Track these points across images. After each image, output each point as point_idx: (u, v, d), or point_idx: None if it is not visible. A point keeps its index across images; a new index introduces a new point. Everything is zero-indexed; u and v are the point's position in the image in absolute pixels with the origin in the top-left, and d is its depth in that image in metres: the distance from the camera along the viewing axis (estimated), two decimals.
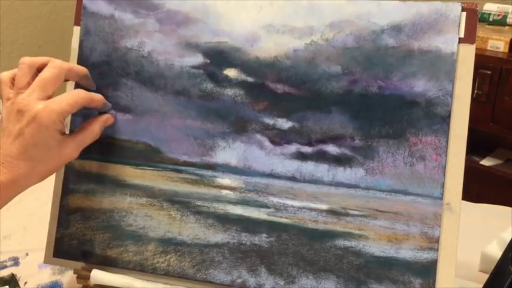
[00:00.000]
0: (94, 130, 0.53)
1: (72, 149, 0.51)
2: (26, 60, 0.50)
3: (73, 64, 0.53)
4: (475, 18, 0.51)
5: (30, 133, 0.47)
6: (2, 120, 0.49)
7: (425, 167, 0.51)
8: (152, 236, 0.56)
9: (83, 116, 0.58)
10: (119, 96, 0.58)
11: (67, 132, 0.59)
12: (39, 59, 0.51)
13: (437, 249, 0.50)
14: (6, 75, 0.51)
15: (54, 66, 0.50)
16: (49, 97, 0.49)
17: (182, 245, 0.55)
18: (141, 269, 0.56)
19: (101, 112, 0.55)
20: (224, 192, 0.55)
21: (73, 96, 0.50)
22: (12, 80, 0.51)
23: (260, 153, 0.54)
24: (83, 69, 0.54)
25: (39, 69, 0.50)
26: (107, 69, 0.58)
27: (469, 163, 1.57)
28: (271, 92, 0.54)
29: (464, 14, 0.51)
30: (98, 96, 0.54)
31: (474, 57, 0.51)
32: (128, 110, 0.57)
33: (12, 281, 0.64)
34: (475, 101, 1.51)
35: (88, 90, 0.53)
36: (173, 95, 0.56)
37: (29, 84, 0.49)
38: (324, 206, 0.53)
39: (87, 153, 0.55)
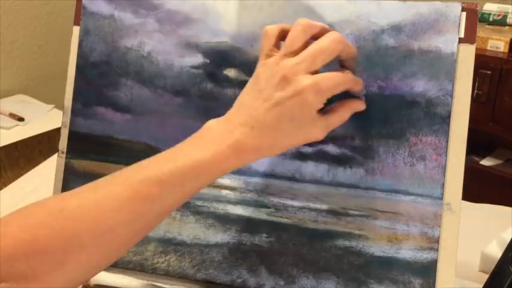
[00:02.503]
0: (345, 115, 0.48)
1: (320, 130, 0.46)
2: (303, 21, 0.46)
3: (348, 42, 0.47)
4: (475, 18, 0.51)
5: (291, 106, 0.44)
6: (258, 77, 0.46)
7: (426, 167, 0.51)
8: (152, 236, 0.56)
9: (83, 116, 0.58)
10: (119, 96, 0.58)
11: (65, 129, 0.59)
12: (317, 25, 0.46)
13: (437, 249, 0.50)
14: (274, 28, 0.47)
15: (333, 39, 0.45)
16: (316, 71, 0.45)
17: (182, 245, 0.55)
18: (141, 269, 0.56)
19: (351, 96, 0.50)
20: (224, 192, 0.55)
21: (342, 77, 0.46)
22: (279, 37, 0.47)
23: None
24: (354, 49, 0.48)
25: (314, 36, 0.46)
26: (106, 69, 0.58)
27: (469, 163, 1.57)
28: None
29: (464, 14, 0.51)
30: (360, 81, 0.49)
31: (474, 57, 0.51)
32: (128, 110, 0.57)
33: None
34: (475, 101, 1.51)
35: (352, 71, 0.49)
36: (173, 94, 0.56)
37: (300, 49, 0.45)
38: (324, 206, 0.53)
39: (87, 153, 0.55)
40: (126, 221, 0.41)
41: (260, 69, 0.46)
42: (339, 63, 0.49)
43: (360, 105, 0.50)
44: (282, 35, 0.47)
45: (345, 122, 0.51)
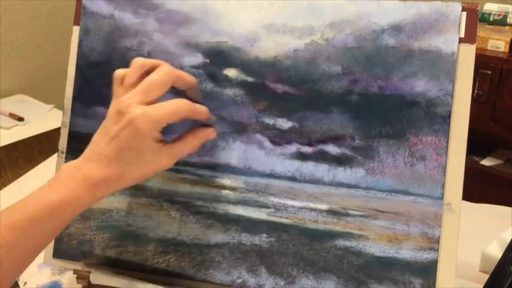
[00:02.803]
0: (193, 143, 0.51)
1: (166, 159, 0.49)
2: (138, 60, 0.49)
3: (183, 72, 0.50)
4: (476, 18, 0.51)
5: (126, 137, 0.46)
6: (107, 116, 0.49)
7: (426, 167, 0.51)
8: (152, 236, 0.56)
9: (83, 116, 0.58)
10: None
11: (65, 129, 0.59)
12: (151, 61, 0.49)
13: (437, 250, 0.50)
14: (121, 72, 0.50)
15: (163, 71, 0.48)
16: (152, 102, 0.47)
17: (182, 245, 0.55)
18: (141, 269, 0.56)
19: (204, 124, 0.52)
20: (224, 192, 0.55)
21: (175, 106, 0.48)
22: (123, 79, 0.50)
23: (260, 153, 0.54)
24: (192, 79, 0.51)
25: (149, 71, 0.49)
26: (106, 69, 0.58)
27: (469, 163, 1.57)
28: (271, 92, 0.54)
29: (464, 13, 0.51)
30: (202, 109, 0.50)
31: (474, 57, 0.51)
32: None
33: None
34: (475, 101, 1.51)
35: (194, 101, 0.50)
36: (173, 94, 0.56)
37: (135, 84, 0.48)
38: (324, 206, 0.53)
39: None
40: None
41: (109, 108, 0.49)
42: (184, 95, 0.51)
43: (210, 134, 0.52)
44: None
45: (345, 122, 0.52)
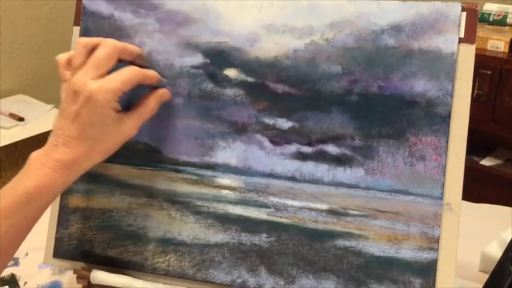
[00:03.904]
0: (150, 105, 0.53)
1: (129, 127, 0.51)
2: (81, 40, 0.51)
3: (126, 44, 0.53)
4: (475, 18, 0.51)
5: (87, 113, 0.48)
6: (61, 101, 0.50)
7: (425, 167, 0.51)
8: (152, 236, 0.56)
9: None
10: None
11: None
12: (94, 39, 0.51)
13: (437, 249, 0.50)
14: (63, 57, 0.52)
15: (107, 45, 0.51)
16: (103, 75, 0.49)
17: (182, 245, 0.55)
18: (141, 269, 0.56)
19: (156, 87, 0.55)
20: (224, 192, 0.55)
21: (127, 74, 0.50)
22: (69, 62, 0.51)
23: (260, 153, 0.54)
24: (136, 49, 0.54)
25: (93, 49, 0.51)
26: None
27: (469, 163, 1.57)
28: (271, 92, 0.54)
29: (464, 14, 0.51)
30: (151, 73, 0.54)
31: (474, 57, 0.51)
32: (128, 110, 0.57)
33: (12, 281, 0.64)
34: (475, 101, 1.51)
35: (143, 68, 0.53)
36: (173, 95, 0.56)
37: (83, 63, 0.50)
38: (324, 206, 0.53)
39: None
40: None
41: (62, 94, 0.50)
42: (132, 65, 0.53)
43: (164, 94, 0.55)
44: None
45: (344, 122, 0.52)
